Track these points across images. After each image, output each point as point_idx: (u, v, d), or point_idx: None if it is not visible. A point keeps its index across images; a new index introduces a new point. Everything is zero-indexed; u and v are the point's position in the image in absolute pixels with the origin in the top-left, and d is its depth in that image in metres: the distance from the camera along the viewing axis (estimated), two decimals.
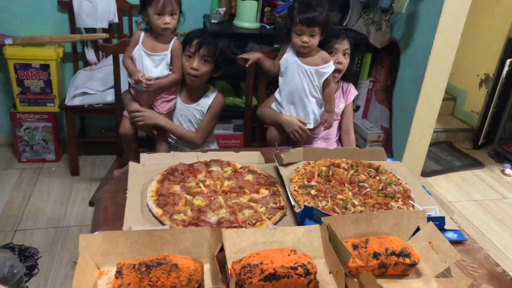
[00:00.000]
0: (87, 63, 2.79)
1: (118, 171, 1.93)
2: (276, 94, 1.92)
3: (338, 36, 1.89)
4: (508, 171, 3.28)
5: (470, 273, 1.02)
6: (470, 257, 1.07)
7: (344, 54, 1.90)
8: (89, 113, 2.66)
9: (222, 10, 2.61)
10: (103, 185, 1.66)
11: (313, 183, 1.27)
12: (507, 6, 3.34)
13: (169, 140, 1.93)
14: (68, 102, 2.51)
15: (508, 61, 3.35)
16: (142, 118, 1.81)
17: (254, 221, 1.09)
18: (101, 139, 2.98)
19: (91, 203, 1.80)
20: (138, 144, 1.99)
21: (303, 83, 1.83)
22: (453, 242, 1.08)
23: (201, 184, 1.23)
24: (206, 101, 1.88)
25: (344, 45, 1.89)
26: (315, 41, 1.76)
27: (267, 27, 2.65)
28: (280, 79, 1.89)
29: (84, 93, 2.53)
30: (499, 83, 3.42)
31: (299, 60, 1.81)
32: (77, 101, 2.52)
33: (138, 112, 1.80)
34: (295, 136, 1.87)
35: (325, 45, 1.87)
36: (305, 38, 1.74)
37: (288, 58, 1.84)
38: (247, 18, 2.58)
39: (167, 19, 1.71)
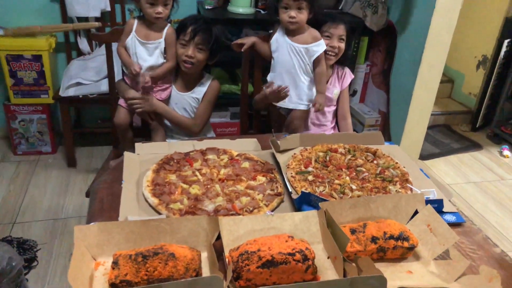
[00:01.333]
0: (80, 53, 2.75)
1: (114, 161, 1.91)
2: (268, 76, 1.89)
3: (334, 20, 1.86)
4: (506, 152, 3.28)
5: (468, 254, 1.01)
6: (468, 239, 1.07)
7: (340, 40, 1.87)
8: (84, 103, 2.64)
9: None
10: (99, 176, 1.64)
11: (310, 168, 1.26)
12: None
13: (165, 128, 1.91)
14: (62, 93, 2.48)
15: (505, 41, 3.32)
16: (140, 105, 1.78)
17: (251, 208, 1.08)
18: (97, 129, 2.95)
19: (87, 195, 1.79)
20: (134, 133, 1.97)
21: (293, 61, 1.80)
22: (452, 225, 1.07)
23: (197, 173, 1.22)
24: (201, 89, 1.86)
25: (339, 30, 1.86)
26: (303, 16, 1.72)
27: (262, 12, 2.61)
28: (272, 61, 1.86)
29: (78, 84, 2.50)
30: (497, 64, 3.40)
31: (289, 39, 1.78)
32: (71, 92, 2.49)
33: (136, 100, 1.78)
34: (282, 97, 1.82)
35: (320, 28, 1.84)
36: (292, 13, 1.70)
37: (278, 38, 1.81)
38: (242, 4, 2.54)
39: (160, 8, 1.68)
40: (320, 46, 1.78)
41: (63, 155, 2.78)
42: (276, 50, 1.82)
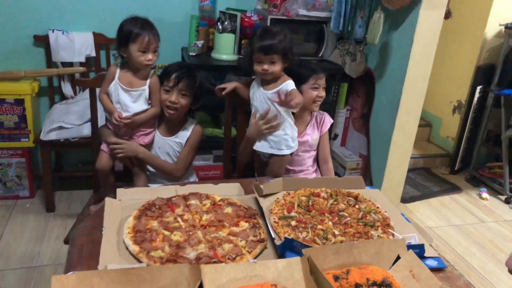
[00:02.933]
0: (63, 97, 2.76)
1: (95, 206, 1.88)
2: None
3: (318, 72, 1.93)
4: (484, 195, 3.34)
5: None
6: (451, 284, 1.07)
7: (323, 89, 1.94)
8: (65, 147, 2.62)
9: (200, 43, 2.64)
10: (79, 222, 1.61)
11: (293, 213, 1.27)
12: (474, 35, 3.49)
13: (148, 172, 1.90)
14: (44, 136, 2.46)
15: (478, 88, 3.47)
16: (122, 150, 1.78)
17: (234, 256, 1.07)
18: (78, 173, 2.92)
19: (66, 241, 1.74)
20: (115, 178, 1.95)
21: (270, 108, 1.81)
22: (434, 270, 1.08)
23: (179, 219, 1.21)
24: (185, 133, 1.87)
25: (323, 80, 1.93)
26: (276, 68, 1.75)
27: None
28: (252, 108, 1.89)
29: (60, 127, 2.49)
30: (471, 109, 3.53)
31: (263, 88, 1.82)
32: (53, 136, 2.48)
33: (117, 144, 1.78)
34: (268, 129, 1.80)
35: (304, 81, 1.89)
36: (265, 66, 1.74)
37: (255, 88, 1.86)
38: (225, 51, 2.62)
39: (150, 56, 1.71)
40: (288, 84, 1.78)
41: (41, 200, 2.72)
42: (253, 99, 1.86)
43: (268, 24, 2.61)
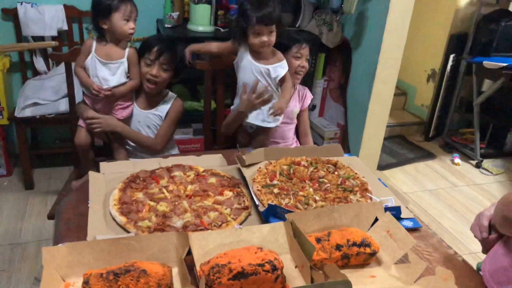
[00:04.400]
0: (36, 73, 2.69)
1: (77, 181, 1.88)
2: (236, 99, 1.93)
3: (300, 42, 1.93)
4: (457, 160, 3.47)
5: (425, 257, 1.08)
6: (425, 243, 1.14)
7: (306, 59, 1.96)
8: (41, 124, 2.57)
9: (175, 14, 2.60)
10: (63, 197, 1.61)
11: (275, 181, 1.30)
12: (448, 3, 3.53)
13: (127, 147, 1.90)
14: (18, 113, 2.41)
15: (451, 56, 3.54)
16: (99, 125, 1.77)
17: (219, 223, 1.11)
18: (56, 150, 2.88)
19: (50, 216, 1.74)
20: (95, 153, 1.95)
21: (259, 81, 1.83)
22: (409, 230, 1.14)
23: (164, 190, 1.23)
24: (165, 107, 1.87)
25: (306, 50, 1.94)
26: (273, 38, 1.75)
27: (222, 30, 2.66)
28: (238, 80, 1.90)
29: (35, 104, 2.44)
30: (445, 77, 3.61)
31: (254, 61, 1.80)
32: (28, 112, 2.42)
33: (94, 119, 1.77)
34: (260, 103, 1.82)
35: (286, 50, 1.89)
36: (265, 38, 1.71)
37: (242, 60, 1.83)
38: (201, 22, 2.59)
39: (132, 24, 1.71)
40: (284, 68, 1.83)
41: (19, 177, 2.68)
42: (240, 71, 1.85)
43: None
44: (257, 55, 1.81)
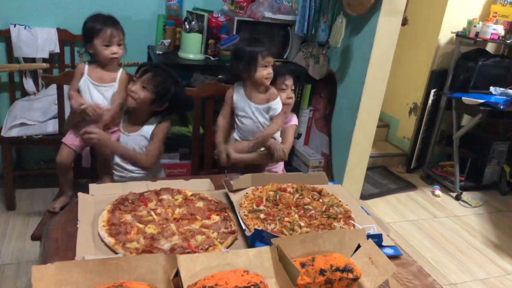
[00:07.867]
0: (25, 93, 2.70)
1: (51, 205, 1.88)
2: (235, 135, 1.99)
3: (285, 74, 2.01)
4: (437, 192, 3.55)
5: (405, 284, 1.12)
6: (405, 270, 1.18)
7: (292, 90, 2.03)
8: (28, 144, 2.57)
9: (166, 41, 2.66)
10: (49, 217, 1.61)
11: (261, 207, 1.33)
12: (429, 41, 3.69)
13: (115, 167, 1.88)
14: (5, 133, 2.41)
15: (432, 91, 3.68)
16: (96, 135, 1.73)
17: (206, 246, 1.13)
18: (40, 171, 2.86)
19: (34, 237, 1.72)
20: (79, 175, 1.94)
21: (259, 120, 1.92)
22: (390, 257, 1.17)
23: (152, 213, 1.25)
24: (149, 127, 1.82)
25: (291, 81, 2.03)
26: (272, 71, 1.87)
27: (212, 58, 2.73)
28: (236, 119, 1.96)
29: (23, 124, 2.44)
30: (426, 111, 3.74)
31: (251, 102, 1.90)
32: (14, 132, 2.42)
33: (91, 133, 1.74)
34: (278, 155, 1.92)
35: (272, 83, 1.96)
36: (270, 69, 1.84)
37: (240, 101, 1.92)
38: (192, 50, 2.66)
39: (115, 49, 1.74)
40: (279, 103, 1.92)
41: (1, 198, 2.65)
42: (239, 107, 1.93)
43: (235, 26, 2.68)
44: (252, 94, 1.90)
